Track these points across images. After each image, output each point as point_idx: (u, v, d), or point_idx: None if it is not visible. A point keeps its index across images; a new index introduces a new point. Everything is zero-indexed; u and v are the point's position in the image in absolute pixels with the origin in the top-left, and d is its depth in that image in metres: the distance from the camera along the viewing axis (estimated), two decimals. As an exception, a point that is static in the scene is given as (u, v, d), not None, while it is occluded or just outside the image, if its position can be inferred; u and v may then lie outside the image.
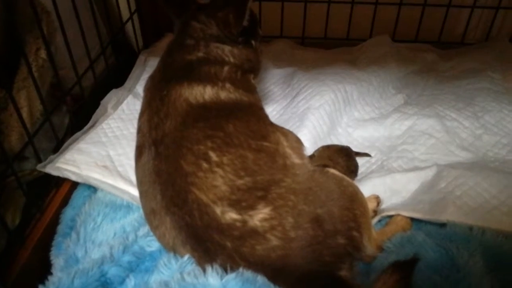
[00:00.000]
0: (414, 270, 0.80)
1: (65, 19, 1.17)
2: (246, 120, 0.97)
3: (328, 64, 1.56)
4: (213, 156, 0.86)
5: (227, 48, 1.10)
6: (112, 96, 1.38)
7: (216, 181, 0.83)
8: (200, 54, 1.08)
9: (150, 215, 0.90)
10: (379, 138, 1.32)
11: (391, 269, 0.81)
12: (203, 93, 0.99)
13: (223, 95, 1.01)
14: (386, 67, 1.55)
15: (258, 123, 0.99)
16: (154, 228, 0.90)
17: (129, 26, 1.68)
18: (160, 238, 0.89)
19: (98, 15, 1.46)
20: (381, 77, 1.51)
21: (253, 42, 1.17)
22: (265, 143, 0.94)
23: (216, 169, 0.85)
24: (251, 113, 1.02)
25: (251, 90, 1.12)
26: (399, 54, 1.64)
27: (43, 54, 1.15)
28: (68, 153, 1.14)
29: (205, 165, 0.85)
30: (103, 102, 1.36)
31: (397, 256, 0.86)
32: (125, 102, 1.37)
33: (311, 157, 1.20)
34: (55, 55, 1.20)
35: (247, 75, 1.14)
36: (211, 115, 0.95)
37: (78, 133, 1.25)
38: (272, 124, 1.06)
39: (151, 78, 1.10)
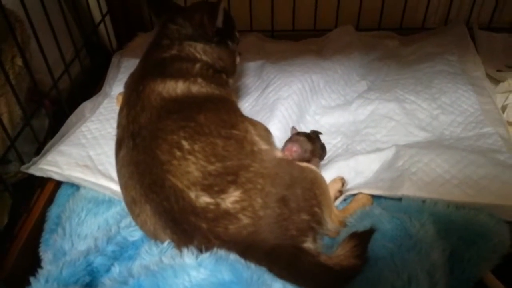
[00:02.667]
0: (370, 238, 0.90)
1: (38, 25, 1.22)
2: (217, 111, 1.05)
3: (295, 55, 1.63)
4: (185, 144, 0.94)
5: (199, 45, 1.18)
6: (86, 105, 1.44)
7: (189, 167, 0.91)
8: (174, 52, 1.16)
9: (131, 204, 0.97)
10: (344, 123, 1.40)
11: (349, 237, 0.91)
12: (175, 87, 1.07)
13: (195, 89, 1.09)
14: (350, 56, 1.62)
15: (228, 113, 1.07)
16: (136, 217, 0.97)
17: (102, 28, 1.72)
18: (142, 226, 0.96)
19: (70, 18, 1.50)
20: (346, 65, 1.59)
21: (229, 43, 1.25)
22: (234, 131, 1.02)
23: (189, 156, 0.92)
24: (222, 105, 1.10)
25: (222, 85, 1.19)
26: (362, 43, 1.71)
27: (19, 61, 1.20)
28: (49, 155, 1.20)
29: (178, 153, 0.93)
30: (77, 111, 1.41)
31: (356, 229, 0.95)
32: (101, 107, 1.43)
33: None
34: (30, 61, 1.26)
35: (219, 73, 1.21)
36: (183, 108, 1.03)
37: (58, 136, 1.30)
38: (242, 115, 1.14)
39: (131, 76, 1.18)
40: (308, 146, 1.20)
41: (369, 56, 1.66)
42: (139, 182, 0.93)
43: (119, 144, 1.03)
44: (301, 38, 1.84)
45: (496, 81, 1.50)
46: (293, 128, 1.32)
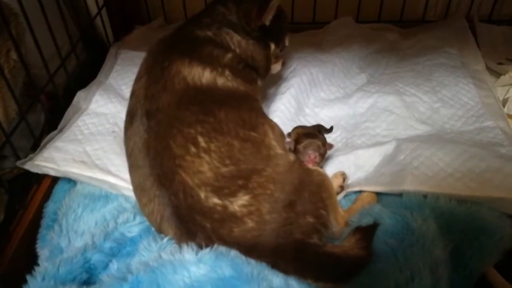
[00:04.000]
0: (374, 232, 0.89)
1: (33, 19, 1.19)
2: (238, 109, 1.02)
3: (294, 49, 1.61)
4: (201, 141, 0.92)
5: (236, 37, 1.14)
6: (80, 95, 1.41)
7: (202, 166, 0.89)
8: (209, 34, 1.12)
9: (139, 192, 0.95)
10: (344, 116, 1.39)
11: (353, 232, 0.90)
12: (201, 76, 1.03)
13: (220, 81, 1.05)
14: (349, 48, 1.61)
15: (250, 113, 1.04)
16: (143, 206, 0.95)
17: (98, 21, 1.70)
18: (149, 215, 0.94)
19: (66, 12, 1.48)
20: (345, 58, 1.58)
21: (272, 45, 1.22)
22: (253, 133, 1.00)
23: (203, 154, 0.90)
24: (245, 103, 1.07)
25: (250, 81, 1.16)
26: (362, 35, 1.69)
27: (13, 55, 1.18)
28: (45, 152, 1.18)
29: (193, 149, 0.91)
30: (73, 102, 1.39)
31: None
32: (97, 94, 1.40)
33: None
34: (26, 55, 1.24)
35: (250, 69, 1.17)
36: (205, 100, 1.00)
37: (54, 132, 1.28)
38: (263, 115, 1.11)
39: (159, 42, 1.13)
40: (321, 147, 1.19)
41: (369, 49, 1.64)
42: (149, 170, 0.91)
43: (131, 117, 1.00)
44: (300, 30, 1.82)
45: (496, 74, 1.49)
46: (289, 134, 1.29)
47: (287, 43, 1.27)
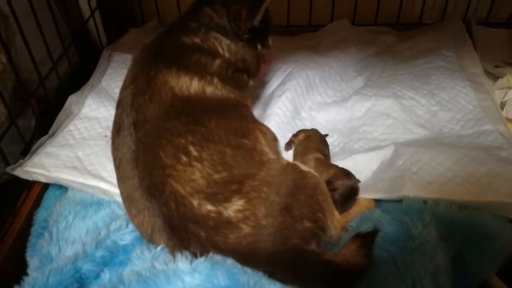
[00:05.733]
0: (374, 239, 0.87)
1: (23, 21, 1.17)
2: (229, 118, 1.00)
3: (290, 51, 1.59)
4: (193, 150, 0.90)
5: (225, 41, 1.11)
6: (72, 99, 1.38)
7: (194, 175, 0.87)
8: (196, 40, 1.08)
9: (128, 203, 0.92)
10: (341, 120, 1.37)
11: (353, 238, 0.88)
12: (189, 86, 1.00)
13: (209, 90, 1.03)
14: (346, 51, 1.59)
15: (241, 121, 1.02)
16: (132, 217, 0.93)
17: (91, 23, 1.67)
18: (139, 226, 0.92)
19: (58, 14, 1.45)
20: (342, 61, 1.55)
21: (259, 46, 1.19)
22: (245, 141, 0.98)
23: (195, 163, 0.88)
24: (235, 111, 1.05)
25: (240, 87, 1.13)
26: (358, 38, 1.68)
27: (3, 58, 1.15)
28: (36, 157, 1.15)
29: (184, 158, 0.88)
30: (65, 106, 1.36)
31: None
32: (89, 98, 1.37)
33: (292, 141, 1.24)
34: (16, 59, 1.21)
35: (240, 73, 1.15)
36: (194, 110, 0.97)
37: (45, 137, 1.25)
38: (254, 121, 1.09)
39: (144, 49, 1.09)
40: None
41: (365, 52, 1.62)
42: (138, 181, 0.89)
43: (118, 128, 0.98)
44: (296, 33, 1.80)
45: (494, 77, 1.48)
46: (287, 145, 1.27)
47: (270, 42, 1.25)
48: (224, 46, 1.10)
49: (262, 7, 1.07)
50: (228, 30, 1.11)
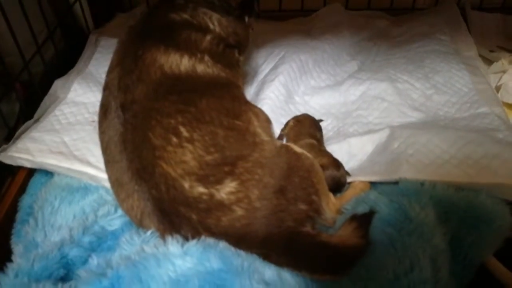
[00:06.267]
0: (371, 220, 0.85)
1: (7, 3, 1.12)
2: (221, 98, 0.97)
3: (283, 36, 1.57)
4: (183, 131, 0.86)
5: (215, 15, 1.07)
6: (58, 83, 1.34)
7: (185, 156, 0.84)
8: (185, 16, 1.05)
9: (117, 187, 0.89)
10: (335, 104, 1.34)
11: (349, 220, 0.85)
12: (179, 63, 0.97)
13: (200, 68, 1.00)
14: (339, 35, 1.56)
15: (233, 101, 0.99)
16: (121, 201, 0.90)
17: (77, 8, 1.62)
18: (128, 211, 0.88)
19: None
20: (335, 45, 1.53)
21: (246, 17, 1.16)
22: (237, 122, 0.95)
23: (186, 144, 0.85)
24: (227, 91, 1.02)
25: (232, 65, 1.10)
26: (351, 22, 1.65)
27: (-15, 41, 1.10)
28: (20, 142, 1.11)
29: (174, 139, 0.85)
30: (50, 91, 1.32)
31: (353, 215, 0.89)
32: (75, 83, 1.33)
33: (282, 134, 1.21)
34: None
35: (231, 49, 1.11)
36: (184, 89, 0.94)
37: (30, 122, 1.22)
38: (246, 102, 1.06)
39: (130, 29, 1.05)
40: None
41: (359, 36, 1.60)
42: (126, 164, 0.86)
43: (105, 110, 0.94)
44: (288, 18, 1.77)
45: (488, 62, 1.47)
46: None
47: (257, 8, 1.22)
48: (215, 20, 1.07)
49: None
50: (217, 6, 1.07)
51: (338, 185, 1.03)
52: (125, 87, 0.93)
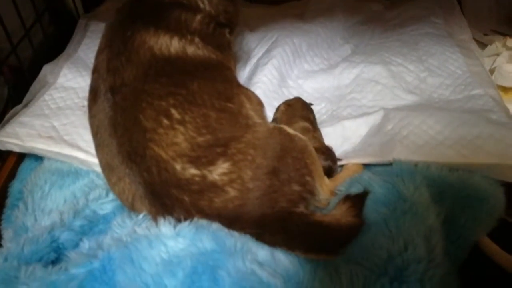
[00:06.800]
0: (365, 200, 0.84)
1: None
2: (212, 80, 0.96)
3: (276, 19, 1.55)
4: (174, 113, 0.85)
5: None
6: (47, 68, 1.32)
7: (176, 138, 0.83)
8: None
9: (108, 171, 0.88)
10: (328, 88, 1.33)
11: (343, 200, 0.85)
12: (169, 45, 0.95)
13: (190, 50, 0.98)
14: (333, 18, 1.55)
15: (224, 84, 0.98)
16: (112, 185, 0.88)
17: (66, -8, 1.60)
18: (120, 194, 0.87)
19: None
20: (329, 28, 1.52)
21: None
22: (229, 104, 0.94)
23: (177, 126, 0.84)
24: (218, 73, 1.00)
25: (222, 47, 1.08)
26: (345, 5, 1.64)
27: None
28: (9, 127, 1.10)
29: (166, 121, 0.84)
30: (39, 76, 1.30)
31: (347, 195, 0.89)
32: (65, 67, 1.31)
33: (275, 118, 1.19)
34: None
35: (222, 29, 1.10)
36: (175, 71, 0.92)
37: (19, 106, 1.20)
38: (238, 85, 1.05)
39: (117, 12, 1.03)
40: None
41: (353, 19, 1.59)
42: (116, 148, 0.84)
43: (94, 94, 0.93)
44: (281, 2, 1.75)
45: (482, 45, 1.46)
46: None
47: None
48: None
49: None
50: None
51: (327, 173, 1.01)
52: (114, 70, 0.91)
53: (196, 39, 1.00)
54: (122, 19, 1.00)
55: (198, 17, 1.03)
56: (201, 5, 1.04)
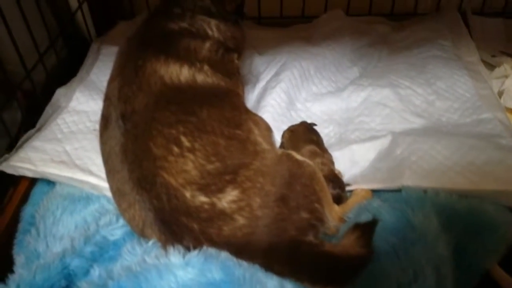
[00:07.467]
0: (374, 229, 0.84)
1: (8, 12, 1.13)
2: (221, 107, 0.98)
3: (284, 42, 1.56)
4: (185, 141, 0.87)
5: (213, 21, 1.09)
6: (60, 92, 1.34)
7: (186, 165, 0.84)
8: (184, 25, 1.06)
9: (118, 197, 0.90)
10: (336, 111, 1.34)
11: (352, 229, 0.85)
12: (179, 73, 0.98)
13: (200, 78, 1.01)
14: (340, 41, 1.56)
15: (233, 111, 1.00)
16: (123, 211, 0.90)
17: (79, 16, 1.63)
18: (130, 221, 0.88)
19: (45, 5, 1.41)
20: (336, 51, 1.53)
21: (239, 20, 1.17)
22: (238, 131, 0.95)
23: (187, 153, 0.85)
24: (227, 100, 1.02)
25: (231, 73, 1.11)
26: (352, 28, 1.65)
27: (-14, 50, 1.11)
28: (22, 152, 1.11)
29: (176, 149, 0.85)
30: (52, 100, 1.32)
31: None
32: (77, 91, 1.33)
33: (282, 145, 1.20)
34: (0, 51, 1.17)
35: (230, 55, 1.12)
36: (185, 99, 0.95)
37: (32, 131, 1.22)
38: (246, 111, 1.07)
39: (128, 41, 1.06)
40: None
41: (360, 42, 1.59)
42: (127, 174, 0.86)
43: (106, 121, 0.95)
44: (289, 24, 1.77)
45: (490, 67, 1.46)
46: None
47: (245, 11, 1.23)
48: (213, 26, 1.08)
49: None
50: (214, 12, 1.08)
51: (336, 201, 1.01)
52: (125, 98, 0.93)
53: (205, 67, 1.02)
54: (133, 48, 1.03)
55: (207, 44, 1.05)
56: (210, 32, 1.07)
